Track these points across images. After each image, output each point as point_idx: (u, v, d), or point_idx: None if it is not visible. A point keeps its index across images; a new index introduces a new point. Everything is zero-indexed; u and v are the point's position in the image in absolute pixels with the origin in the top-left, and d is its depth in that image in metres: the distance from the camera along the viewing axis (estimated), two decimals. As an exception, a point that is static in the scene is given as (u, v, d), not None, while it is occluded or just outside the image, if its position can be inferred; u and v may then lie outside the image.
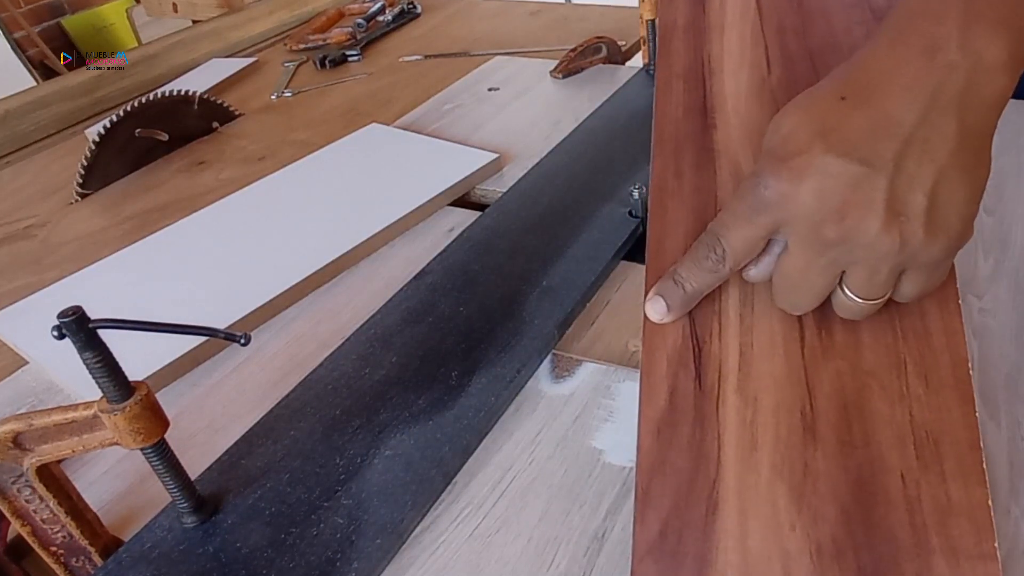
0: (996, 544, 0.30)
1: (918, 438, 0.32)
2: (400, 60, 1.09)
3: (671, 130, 0.43)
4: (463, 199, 0.71)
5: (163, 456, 0.37)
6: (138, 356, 0.41)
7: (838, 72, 0.33)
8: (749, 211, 0.33)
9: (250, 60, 1.14)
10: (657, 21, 0.45)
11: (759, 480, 0.32)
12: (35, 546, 0.39)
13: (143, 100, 0.82)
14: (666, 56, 0.45)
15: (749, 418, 0.34)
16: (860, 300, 0.33)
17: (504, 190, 0.68)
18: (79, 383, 0.50)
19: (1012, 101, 0.57)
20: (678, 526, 0.32)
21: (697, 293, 0.36)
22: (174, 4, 1.69)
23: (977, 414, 0.36)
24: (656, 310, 0.37)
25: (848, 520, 0.31)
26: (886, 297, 0.33)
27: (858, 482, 0.32)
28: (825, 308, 0.35)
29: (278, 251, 0.63)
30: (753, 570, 0.31)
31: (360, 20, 1.21)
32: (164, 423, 0.36)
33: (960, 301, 0.36)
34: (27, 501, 0.38)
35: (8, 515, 0.38)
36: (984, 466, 0.31)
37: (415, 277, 0.57)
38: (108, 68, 1.07)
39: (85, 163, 0.80)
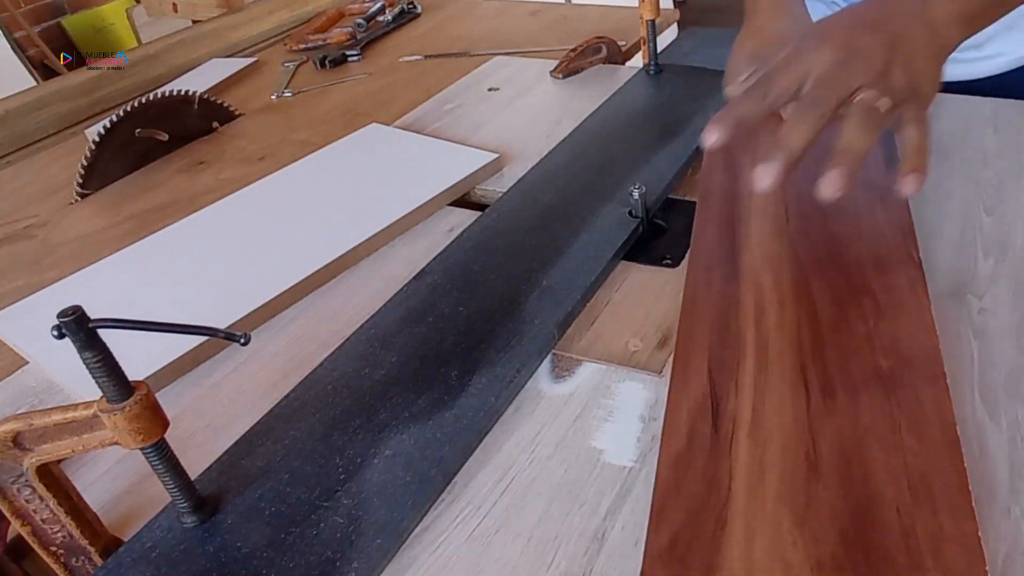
0: (987, 570, 0.32)
1: (912, 479, 0.36)
2: (400, 60, 1.09)
3: (704, 256, 0.53)
4: (463, 199, 0.71)
5: (163, 456, 0.37)
6: (138, 356, 0.41)
7: (854, 5, 0.50)
8: (791, 60, 0.47)
9: (250, 60, 1.14)
10: (700, 184, 0.59)
11: (765, 505, 0.36)
12: (35, 546, 0.39)
13: (143, 100, 0.82)
14: (704, 210, 0.58)
15: (758, 457, 0.38)
16: (878, 102, 0.44)
17: (504, 190, 0.68)
18: (79, 383, 0.50)
19: (1012, 102, 0.63)
20: (688, 538, 0.35)
21: (745, 119, 0.47)
22: (174, 4, 1.69)
23: (975, 416, 0.40)
24: (711, 132, 0.46)
25: (847, 541, 0.34)
26: (889, 103, 0.45)
27: (857, 511, 0.35)
28: (829, 373, 0.42)
29: (278, 251, 0.62)
30: None
31: (360, 20, 1.21)
32: (164, 423, 0.36)
33: (948, 380, 0.41)
34: (27, 501, 0.38)
35: (8, 515, 0.38)
36: (973, 504, 0.34)
37: (415, 277, 0.57)
38: (108, 68, 1.07)
39: (85, 163, 0.80)
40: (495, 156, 0.72)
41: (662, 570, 0.34)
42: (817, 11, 0.86)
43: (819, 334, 0.44)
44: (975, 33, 0.50)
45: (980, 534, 0.33)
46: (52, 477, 0.37)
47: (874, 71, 0.45)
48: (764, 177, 0.43)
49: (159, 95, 0.84)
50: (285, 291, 0.57)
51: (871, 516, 0.34)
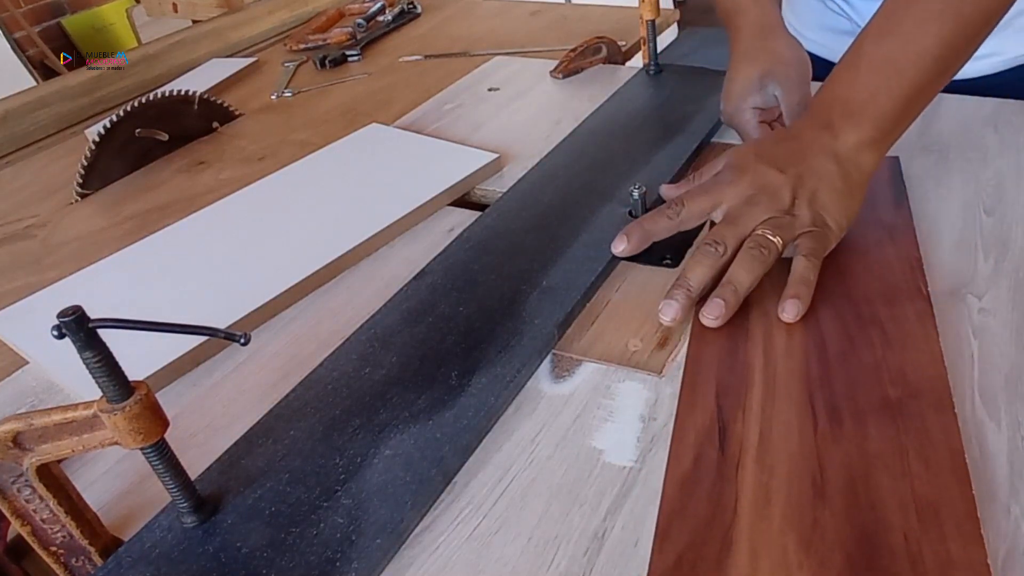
0: None
1: (919, 506, 0.36)
2: (400, 60, 1.09)
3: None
4: (463, 199, 0.71)
5: (163, 456, 0.37)
6: (138, 356, 0.42)
7: (778, 131, 0.58)
8: (708, 189, 0.54)
9: (250, 60, 1.14)
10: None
11: (771, 528, 0.36)
12: (35, 546, 0.39)
13: (143, 100, 0.82)
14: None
15: (765, 481, 0.38)
16: (771, 236, 0.49)
17: (504, 190, 0.68)
18: (79, 383, 0.50)
19: (1012, 102, 0.64)
20: (693, 558, 0.35)
21: (652, 234, 0.54)
22: (174, 4, 1.69)
23: (975, 416, 0.40)
24: (619, 242, 0.54)
25: (853, 566, 0.34)
26: (780, 242, 0.49)
27: (863, 536, 0.35)
28: (836, 401, 0.42)
29: (278, 251, 0.62)
30: None
31: (360, 20, 1.21)
32: (164, 423, 0.36)
33: (956, 410, 0.40)
34: (27, 501, 0.38)
35: (8, 515, 0.38)
36: (982, 531, 0.34)
37: (415, 277, 0.57)
38: (108, 68, 1.07)
39: (85, 163, 0.80)
40: (495, 156, 0.72)
41: None
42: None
43: (827, 363, 0.44)
44: (888, 149, 0.54)
45: (989, 561, 0.33)
46: (52, 477, 0.37)
47: (779, 207, 0.51)
48: (667, 312, 0.49)
49: (159, 95, 0.84)
50: (285, 291, 0.57)
51: (878, 541, 0.34)
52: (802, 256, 0.49)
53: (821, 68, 0.87)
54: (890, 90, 0.52)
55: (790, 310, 0.47)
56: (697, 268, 0.49)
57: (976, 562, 0.33)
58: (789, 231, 0.50)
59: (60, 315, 0.32)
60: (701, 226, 0.56)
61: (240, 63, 1.12)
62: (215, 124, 0.93)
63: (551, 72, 0.91)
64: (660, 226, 0.53)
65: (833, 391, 0.43)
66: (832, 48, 0.86)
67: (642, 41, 0.85)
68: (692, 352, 0.47)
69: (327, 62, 1.08)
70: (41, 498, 0.37)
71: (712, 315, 0.47)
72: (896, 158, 0.63)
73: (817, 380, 0.43)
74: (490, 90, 0.91)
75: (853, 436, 0.40)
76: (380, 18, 1.23)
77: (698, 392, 0.44)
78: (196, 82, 1.05)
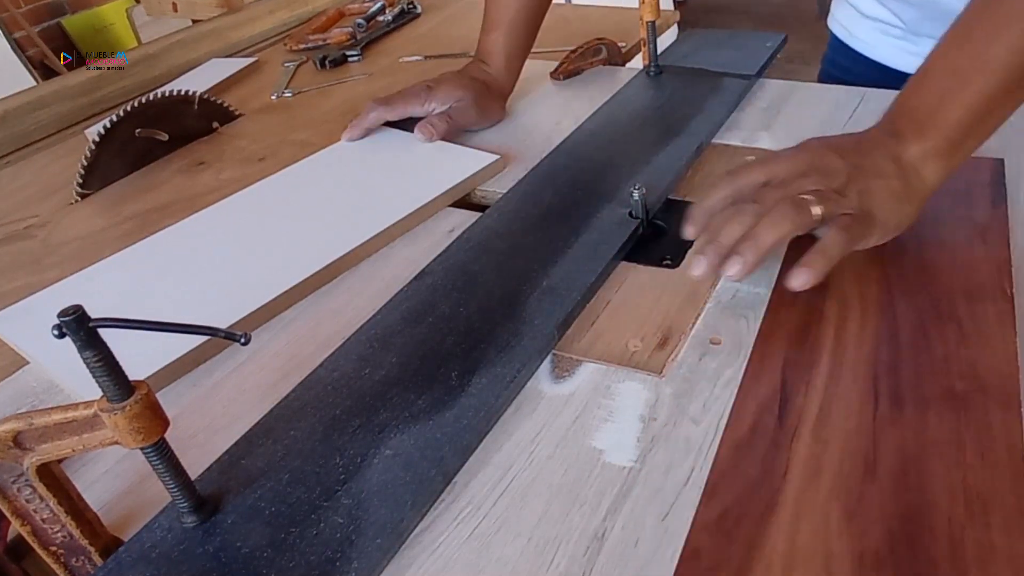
0: None
1: (968, 495, 0.36)
2: (400, 60, 1.09)
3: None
4: (464, 200, 0.71)
5: (163, 456, 0.37)
6: (138, 356, 0.41)
7: (844, 134, 0.55)
8: (765, 161, 0.52)
9: (250, 60, 1.14)
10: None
11: (817, 496, 0.37)
12: (35, 546, 0.39)
13: (143, 100, 0.82)
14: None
15: (818, 453, 0.39)
16: (811, 202, 0.48)
17: (504, 191, 0.68)
18: (79, 383, 0.50)
19: None
20: (737, 514, 0.37)
21: (712, 206, 0.52)
22: (174, 4, 1.69)
23: None
24: (687, 225, 0.53)
25: (893, 541, 0.34)
26: (821, 210, 0.48)
27: (907, 515, 0.36)
28: (901, 387, 0.42)
29: (278, 251, 0.62)
30: (797, 560, 0.34)
31: (360, 20, 1.21)
32: (164, 423, 0.36)
33: (1023, 409, 0.40)
34: (27, 501, 0.38)
35: (8, 515, 0.38)
36: None
37: (415, 277, 0.57)
38: (108, 68, 1.07)
39: (85, 163, 0.80)
40: (496, 157, 0.72)
41: (708, 540, 0.36)
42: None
43: (898, 351, 0.45)
44: (958, 164, 0.52)
45: None
46: (52, 477, 0.37)
47: (830, 186, 0.49)
48: (697, 267, 0.48)
49: (159, 95, 0.84)
50: (285, 291, 0.57)
51: (921, 522, 0.35)
52: (836, 228, 0.48)
53: (869, 69, 0.86)
54: (957, 99, 0.51)
55: (798, 277, 0.46)
56: (732, 226, 0.48)
57: (1019, 555, 0.33)
58: (833, 206, 0.48)
59: (60, 315, 0.32)
60: None
61: (240, 63, 1.12)
62: (215, 124, 0.93)
63: (551, 73, 0.91)
64: (719, 195, 0.52)
65: (899, 378, 0.43)
66: (877, 48, 0.85)
67: (642, 42, 0.85)
68: (765, 326, 0.49)
69: (327, 62, 1.08)
70: (41, 498, 0.37)
71: (734, 272, 0.47)
72: (1000, 160, 0.61)
73: (885, 366, 0.44)
74: (490, 90, 0.91)
75: (912, 422, 0.40)
76: (380, 18, 1.23)
77: (765, 363, 0.45)
78: (196, 82, 1.05)
